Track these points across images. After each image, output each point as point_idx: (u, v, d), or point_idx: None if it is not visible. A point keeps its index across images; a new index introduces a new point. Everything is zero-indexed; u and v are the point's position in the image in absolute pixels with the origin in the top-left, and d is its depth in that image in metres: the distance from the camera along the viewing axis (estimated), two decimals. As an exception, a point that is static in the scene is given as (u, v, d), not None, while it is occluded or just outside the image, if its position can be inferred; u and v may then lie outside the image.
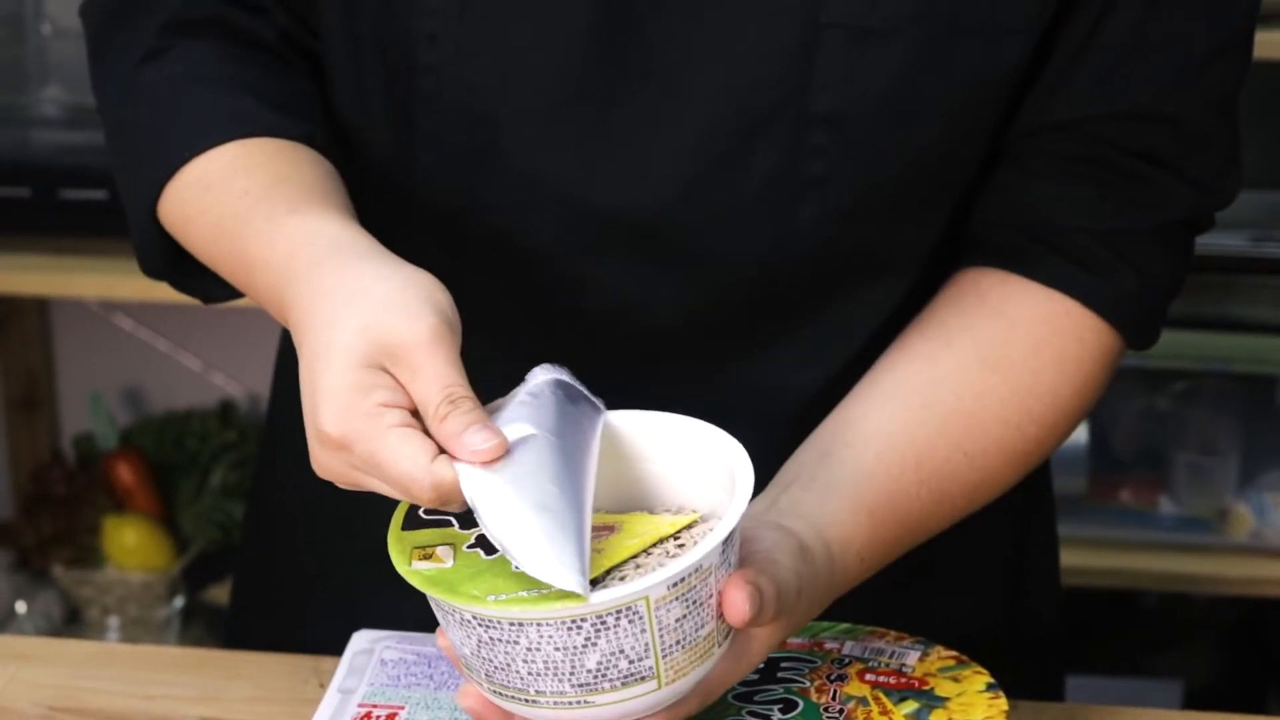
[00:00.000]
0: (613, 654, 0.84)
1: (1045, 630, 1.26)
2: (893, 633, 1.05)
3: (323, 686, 1.08)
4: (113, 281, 2.19)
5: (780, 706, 0.98)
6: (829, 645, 1.03)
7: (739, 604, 0.86)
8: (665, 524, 0.90)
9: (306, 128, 1.06)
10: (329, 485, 0.92)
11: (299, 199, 0.99)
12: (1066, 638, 1.29)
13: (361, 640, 1.10)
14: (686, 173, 1.03)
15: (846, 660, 1.02)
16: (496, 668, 0.85)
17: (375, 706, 1.03)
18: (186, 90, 1.07)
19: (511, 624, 0.83)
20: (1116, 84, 1.04)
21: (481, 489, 0.85)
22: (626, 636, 0.84)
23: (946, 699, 0.98)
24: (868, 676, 1.00)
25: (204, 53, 1.09)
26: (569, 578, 0.82)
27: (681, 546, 0.88)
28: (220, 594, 2.46)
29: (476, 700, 0.89)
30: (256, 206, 0.99)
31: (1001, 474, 1.05)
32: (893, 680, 1.00)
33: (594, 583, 0.85)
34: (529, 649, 0.84)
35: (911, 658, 1.02)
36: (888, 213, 1.05)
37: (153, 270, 1.10)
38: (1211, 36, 1.04)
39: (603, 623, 0.83)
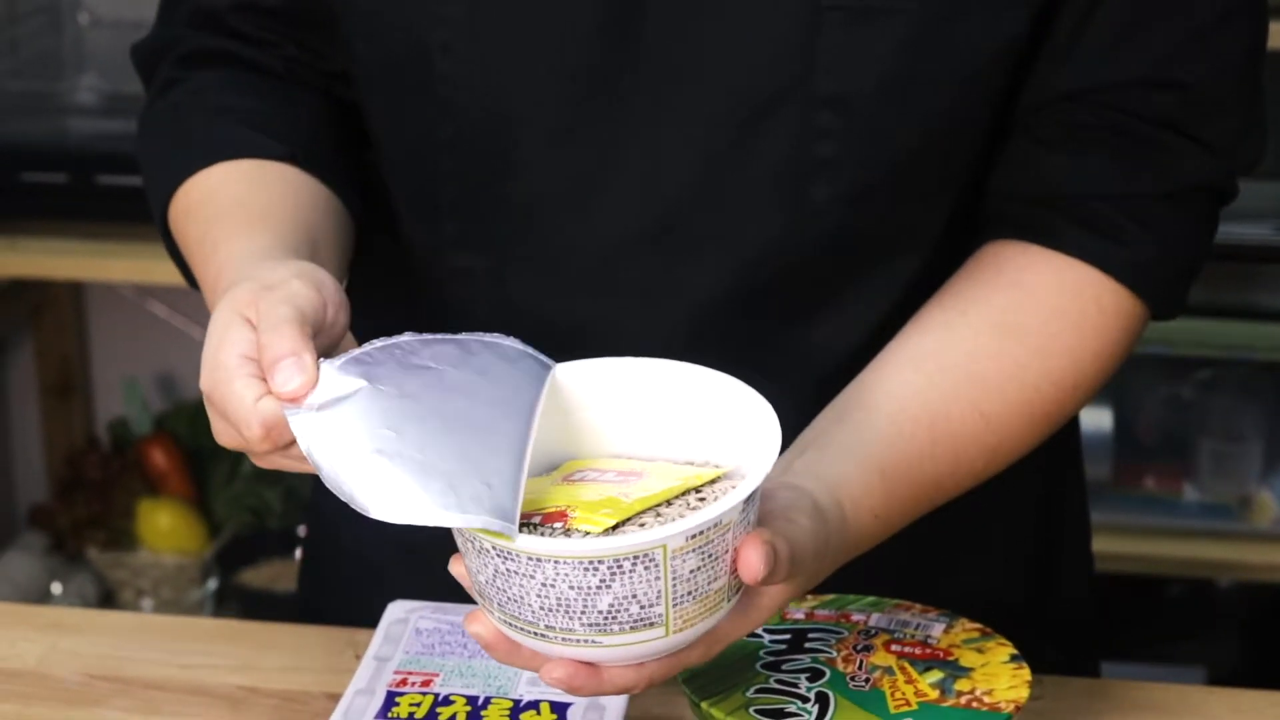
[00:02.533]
0: (625, 598, 0.85)
1: (1077, 610, 1.27)
2: (918, 605, 1.06)
3: (358, 657, 1.10)
4: (147, 266, 2.21)
5: (808, 675, 1.00)
6: (855, 617, 1.05)
7: (754, 562, 0.87)
8: (689, 476, 0.91)
9: (284, 146, 1.11)
10: None
11: (241, 224, 1.05)
12: (1098, 619, 1.29)
13: (397, 610, 1.12)
14: (698, 161, 1.05)
15: (873, 631, 1.03)
16: (510, 599, 0.87)
17: (410, 674, 1.05)
18: (184, 120, 1.15)
19: (529, 558, 0.85)
20: (1122, 52, 1.04)
21: (307, 432, 0.86)
22: (640, 582, 0.85)
23: (971, 669, 1.00)
24: (893, 647, 1.02)
25: (210, 83, 1.16)
26: (407, 510, 0.83)
27: (703, 500, 0.90)
28: (253, 576, 2.48)
29: (486, 628, 0.90)
30: (207, 233, 1.06)
31: (1020, 436, 1.06)
32: (918, 651, 1.02)
33: (615, 527, 0.86)
34: (544, 584, 0.85)
35: (937, 629, 1.03)
36: (898, 190, 1.07)
37: (180, 264, 1.15)
38: (1217, 2, 1.05)
39: (619, 566, 0.84)
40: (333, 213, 1.12)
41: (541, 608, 0.86)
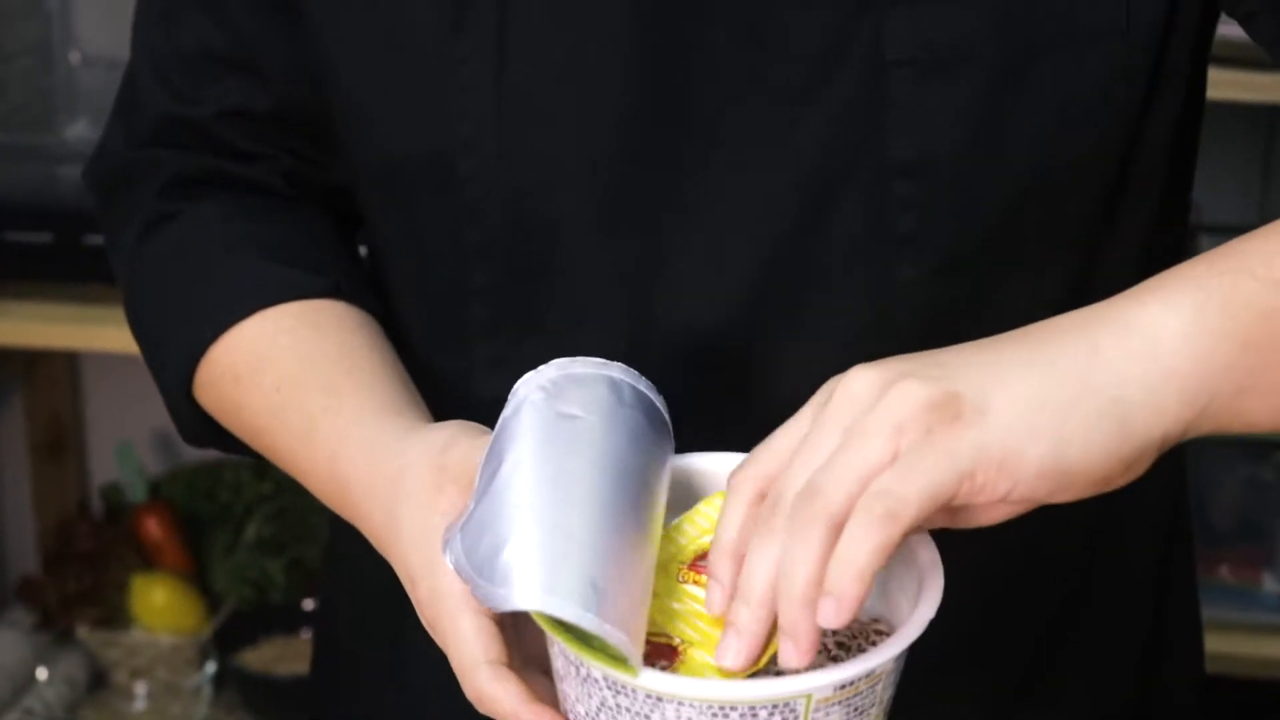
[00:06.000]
0: None
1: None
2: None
3: None
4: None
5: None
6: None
7: None
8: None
9: (327, 279, 1.02)
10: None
11: (327, 390, 0.96)
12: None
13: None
14: (762, 248, 0.95)
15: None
16: None
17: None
18: (197, 262, 1.04)
19: (648, 695, 0.75)
20: None
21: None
22: None
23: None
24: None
25: (209, 216, 1.05)
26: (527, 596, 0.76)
27: (841, 645, 0.81)
28: (255, 658, 2.39)
29: None
30: (289, 406, 0.97)
31: None
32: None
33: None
34: None
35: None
36: (999, 260, 0.96)
37: (197, 442, 1.07)
38: None
39: (754, 714, 0.75)
40: (390, 345, 1.02)
41: None
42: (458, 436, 0.88)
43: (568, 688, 0.79)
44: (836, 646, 0.81)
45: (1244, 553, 2.19)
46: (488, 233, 0.97)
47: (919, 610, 0.78)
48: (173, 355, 1.03)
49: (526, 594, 0.76)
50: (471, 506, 0.81)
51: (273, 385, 0.98)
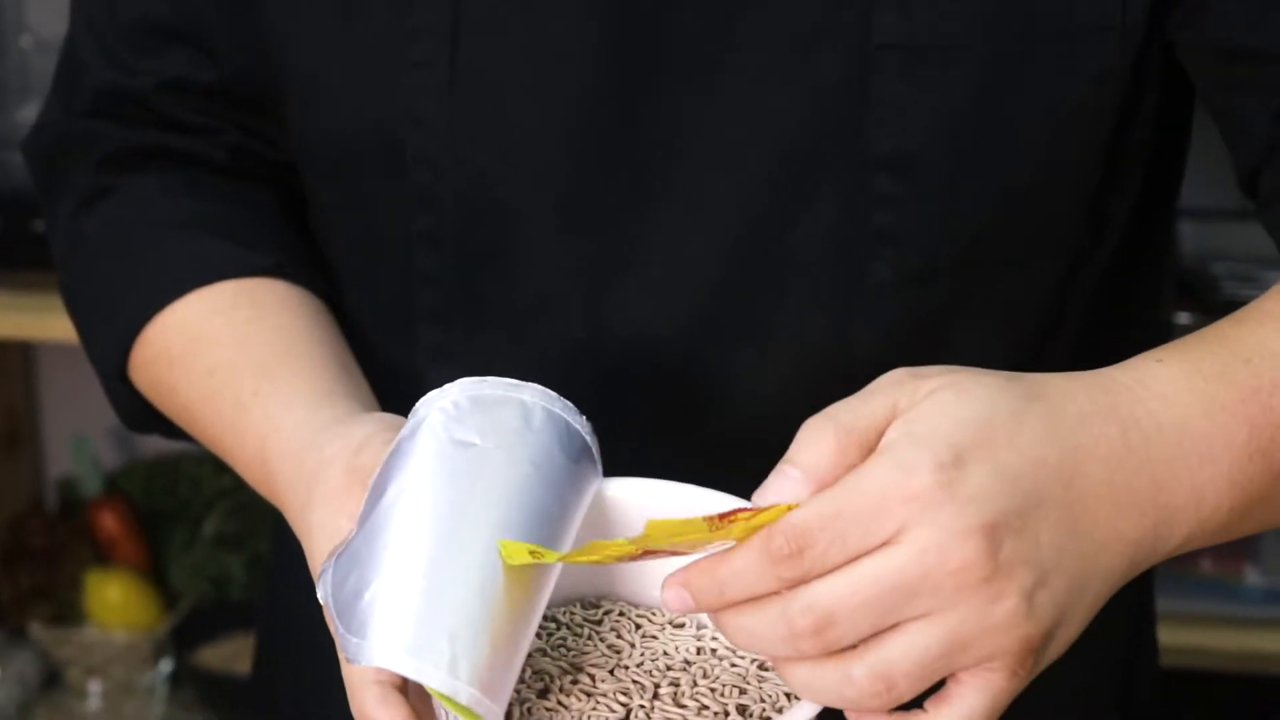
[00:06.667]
0: None
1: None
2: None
3: None
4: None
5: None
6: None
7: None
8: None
9: (269, 258, 0.99)
10: None
11: (259, 373, 0.93)
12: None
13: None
14: (732, 240, 0.92)
15: None
16: None
17: None
18: (135, 239, 1.01)
19: None
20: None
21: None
22: None
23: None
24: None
25: (148, 190, 1.02)
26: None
27: (741, 710, 0.76)
28: (213, 656, 2.38)
29: None
30: (222, 391, 0.94)
31: None
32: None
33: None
34: None
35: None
36: (979, 266, 0.92)
37: (137, 426, 1.04)
38: None
39: None
40: (334, 326, 1.00)
41: None
42: (376, 434, 0.83)
43: None
44: (737, 711, 0.76)
45: (1226, 546, 2.14)
46: (437, 217, 0.94)
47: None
48: (107, 336, 1.00)
49: (378, 650, 0.71)
50: (351, 534, 0.77)
51: (206, 368, 0.95)
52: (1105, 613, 0.85)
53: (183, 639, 2.38)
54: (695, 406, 0.94)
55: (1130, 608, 1.08)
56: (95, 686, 2.35)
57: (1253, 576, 2.16)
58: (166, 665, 2.36)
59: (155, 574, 2.42)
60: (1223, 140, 0.92)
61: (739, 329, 0.92)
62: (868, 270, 0.91)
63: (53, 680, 2.38)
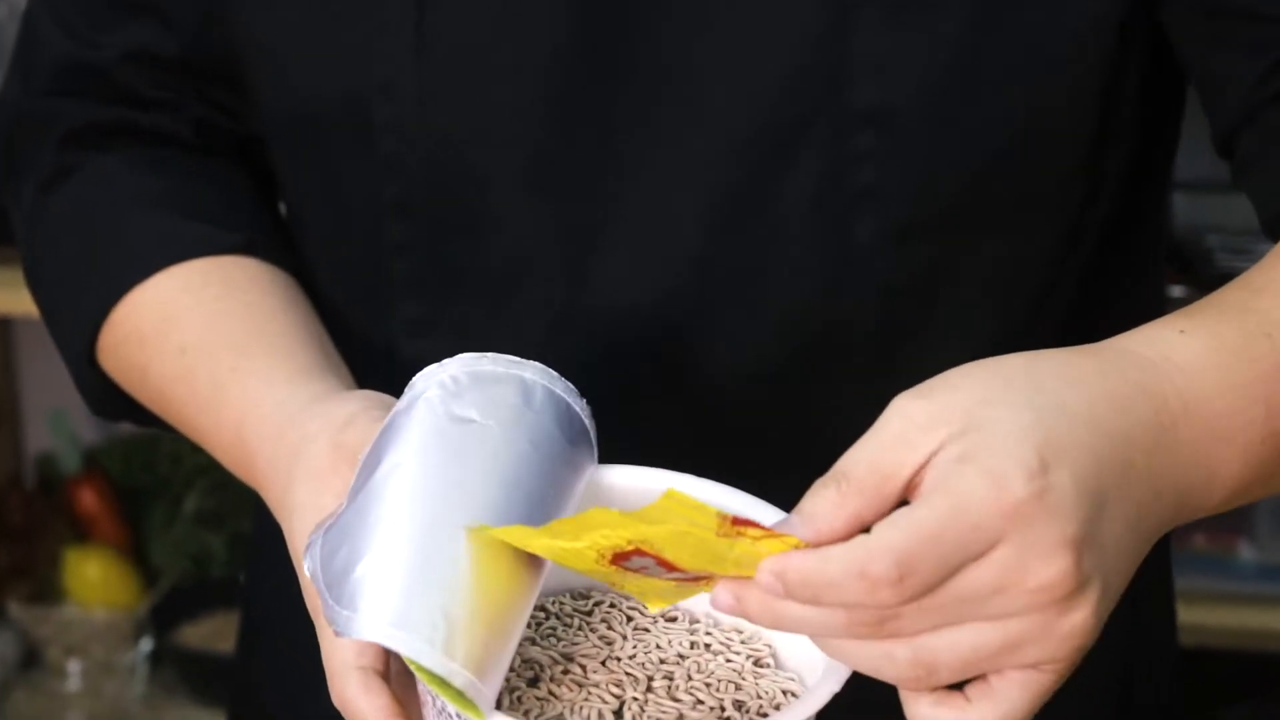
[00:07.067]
0: None
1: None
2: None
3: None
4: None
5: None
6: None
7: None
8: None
9: (238, 234, 0.98)
10: None
11: (235, 350, 0.92)
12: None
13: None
14: (712, 201, 0.91)
15: None
16: None
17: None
18: (100, 218, 0.99)
19: None
20: None
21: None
22: None
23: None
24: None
25: (112, 168, 1.01)
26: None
27: (738, 706, 0.75)
28: (193, 634, 2.38)
29: None
30: (196, 370, 0.93)
31: None
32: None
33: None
34: None
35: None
36: (966, 223, 0.91)
37: (105, 413, 1.04)
38: None
39: None
40: (307, 303, 0.99)
41: None
42: (361, 412, 0.82)
43: (427, 714, 0.74)
44: (733, 707, 0.75)
45: (1220, 521, 2.16)
46: (407, 185, 0.93)
47: (823, 683, 0.72)
48: (74, 319, 0.99)
49: (370, 623, 0.69)
50: (341, 508, 0.75)
51: (178, 347, 0.94)
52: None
53: (163, 617, 2.38)
54: (681, 374, 0.93)
55: (1123, 603, 1.06)
56: (75, 665, 2.35)
57: (1247, 552, 2.18)
58: (147, 644, 2.36)
59: (135, 552, 2.42)
60: (1201, 104, 0.91)
61: (722, 293, 0.91)
62: (852, 230, 0.90)
63: (31, 659, 2.38)
